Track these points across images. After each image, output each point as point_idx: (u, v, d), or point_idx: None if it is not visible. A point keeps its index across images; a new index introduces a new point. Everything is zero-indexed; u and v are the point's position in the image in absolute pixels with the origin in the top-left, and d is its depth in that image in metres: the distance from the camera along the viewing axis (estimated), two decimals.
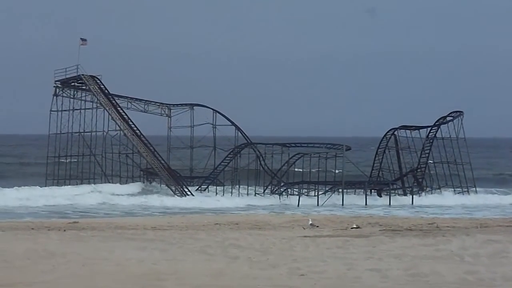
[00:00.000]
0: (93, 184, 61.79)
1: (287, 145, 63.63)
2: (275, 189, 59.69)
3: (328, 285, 16.32)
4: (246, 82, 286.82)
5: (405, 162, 64.37)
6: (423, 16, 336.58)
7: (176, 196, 58.06)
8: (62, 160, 63.93)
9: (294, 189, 58.72)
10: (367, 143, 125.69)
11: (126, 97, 65.23)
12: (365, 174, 63.53)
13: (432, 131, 63.22)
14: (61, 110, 63.80)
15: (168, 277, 17.20)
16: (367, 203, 55.47)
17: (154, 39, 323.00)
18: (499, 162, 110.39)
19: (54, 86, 64.35)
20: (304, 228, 30.59)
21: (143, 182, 64.41)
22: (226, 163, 63.26)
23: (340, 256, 20.90)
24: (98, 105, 62.43)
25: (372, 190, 60.73)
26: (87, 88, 62.96)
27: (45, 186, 62.58)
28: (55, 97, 64.19)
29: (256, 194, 59.45)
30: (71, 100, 64.03)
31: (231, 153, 63.42)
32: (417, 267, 18.54)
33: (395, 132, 64.18)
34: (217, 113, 65.33)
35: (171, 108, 67.01)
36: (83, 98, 63.86)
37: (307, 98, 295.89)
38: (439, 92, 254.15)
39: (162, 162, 63.00)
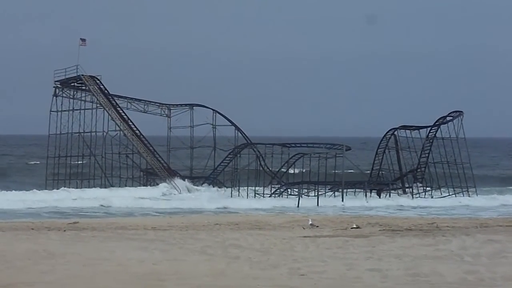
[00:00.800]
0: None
1: (287, 145, 63.64)
2: (276, 189, 59.63)
3: (328, 285, 16.34)
4: (246, 82, 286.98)
5: (405, 162, 64.38)
6: (423, 17, 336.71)
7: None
8: (62, 161, 63.89)
9: (294, 189, 58.72)
10: (366, 143, 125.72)
11: (126, 98, 65.26)
12: (364, 172, 63.56)
13: (432, 131, 63.19)
14: (61, 111, 63.80)
15: (168, 277, 17.21)
16: (367, 203, 55.47)
17: (153, 39, 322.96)
18: (499, 162, 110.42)
19: (53, 87, 64.36)
20: (304, 228, 30.59)
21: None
22: (226, 163, 63.29)
23: (340, 256, 20.92)
24: (98, 105, 62.46)
25: (372, 190, 60.73)
26: (87, 88, 62.99)
27: (45, 186, 62.64)
28: (54, 97, 64.20)
29: (256, 195, 59.37)
30: (71, 100, 64.05)
31: (231, 153, 63.45)
32: (417, 267, 18.55)
33: (395, 132, 64.16)
34: (217, 113, 65.40)
35: (171, 108, 67.03)
36: (83, 98, 63.89)
37: (307, 98, 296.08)
38: (439, 92, 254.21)
39: (162, 162, 63.06)
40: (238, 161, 63.75)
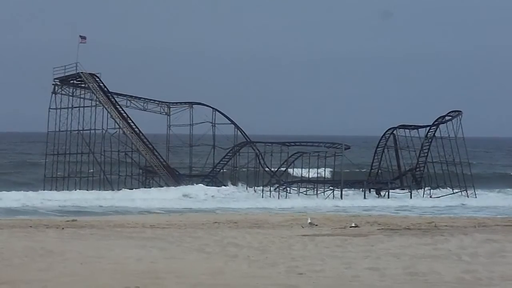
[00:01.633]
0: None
1: (287, 143, 63.67)
2: (275, 188, 59.63)
3: (327, 284, 16.33)
4: (245, 80, 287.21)
5: (404, 161, 64.43)
6: (423, 19, 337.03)
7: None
8: (61, 158, 63.83)
9: (293, 188, 58.75)
10: (366, 142, 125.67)
11: (126, 95, 65.19)
12: (363, 172, 63.62)
13: (431, 130, 63.25)
14: (60, 108, 63.72)
15: (166, 275, 17.20)
16: (366, 202, 55.48)
17: (153, 37, 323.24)
18: (498, 161, 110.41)
19: (53, 84, 64.27)
20: (302, 227, 30.59)
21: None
22: (225, 162, 63.28)
23: (339, 255, 20.91)
24: (97, 103, 62.39)
25: (371, 189, 60.76)
26: (86, 86, 62.91)
27: (44, 183, 62.62)
28: (54, 95, 64.10)
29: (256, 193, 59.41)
30: (70, 98, 63.96)
31: (230, 152, 63.45)
32: (415, 266, 18.55)
33: (394, 132, 64.22)
34: (217, 112, 65.34)
35: (171, 106, 66.96)
36: (82, 96, 63.79)
37: (306, 97, 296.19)
38: (438, 92, 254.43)
39: (161, 160, 63.03)
40: (237, 160, 63.78)
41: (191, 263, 19.31)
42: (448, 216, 41.00)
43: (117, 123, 61.73)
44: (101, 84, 62.99)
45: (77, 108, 63.35)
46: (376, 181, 62.28)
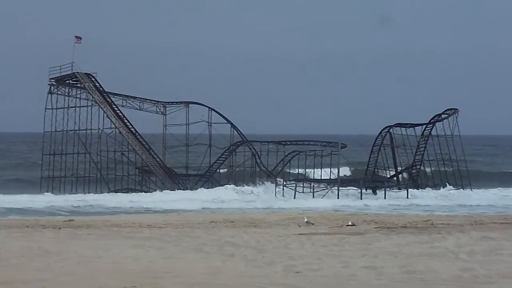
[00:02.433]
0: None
1: (283, 143, 63.73)
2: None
3: (324, 283, 16.35)
4: (241, 80, 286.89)
5: (400, 160, 64.49)
6: (421, 18, 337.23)
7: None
8: (57, 158, 63.78)
9: (290, 187, 58.77)
10: (363, 140, 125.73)
11: (121, 95, 65.16)
12: (359, 170, 63.69)
13: (427, 128, 63.37)
14: (56, 108, 63.72)
15: (164, 275, 17.21)
16: (363, 200, 55.50)
17: (149, 37, 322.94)
18: (494, 159, 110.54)
19: (49, 84, 64.27)
20: (299, 226, 30.61)
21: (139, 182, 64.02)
22: (221, 161, 63.30)
23: (336, 254, 20.93)
24: (93, 103, 62.37)
25: (368, 188, 60.79)
26: (82, 86, 62.91)
27: (40, 183, 62.62)
28: (50, 95, 64.08)
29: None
30: (66, 98, 63.96)
31: (227, 151, 63.46)
32: (412, 265, 18.58)
33: (390, 130, 64.27)
34: (213, 111, 65.32)
35: (167, 106, 66.93)
36: (78, 96, 63.80)
37: (302, 96, 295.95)
38: (435, 91, 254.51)
39: (158, 160, 63.01)
40: (233, 159, 63.79)
41: (188, 263, 19.32)
42: (445, 214, 41.04)
43: (113, 123, 61.71)
44: (97, 84, 62.98)
45: (73, 108, 63.36)
46: (372, 180, 62.34)
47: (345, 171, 65.96)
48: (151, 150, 63.04)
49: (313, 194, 57.05)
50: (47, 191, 61.62)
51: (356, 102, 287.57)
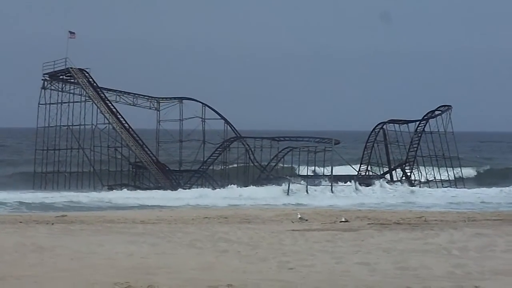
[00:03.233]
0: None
1: (276, 139, 63.76)
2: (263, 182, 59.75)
3: (317, 279, 16.35)
4: (235, 76, 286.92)
5: (393, 156, 64.55)
6: (417, 17, 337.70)
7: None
8: (50, 154, 63.68)
9: (283, 183, 58.78)
10: (357, 137, 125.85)
11: (115, 91, 65.07)
12: (353, 167, 63.73)
13: (420, 125, 63.43)
14: (50, 103, 63.65)
15: (157, 270, 17.19)
16: (356, 197, 55.55)
17: (143, 32, 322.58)
18: (488, 155, 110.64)
19: (42, 79, 64.21)
20: (293, 222, 30.63)
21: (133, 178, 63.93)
22: (215, 157, 63.28)
23: (329, 250, 20.94)
24: (86, 98, 62.32)
25: (361, 184, 60.83)
26: (76, 81, 62.84)
27: (33, 179, 62.56)
28: (43, 90, 64.01)
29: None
30: (60, 93, 63.88)
31: (220, 147, 63.45)
32: (406, 261, 18.60)
33: (384, 126, 64.33)
34: (206, 107, 65.30)
35: (160, 101, 66.86)
36: (72, 91, 63.75)
37: (296, 93, 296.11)
38: (428, 87, 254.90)
39: (151, 155, 62.97)
40: (227, 155, 63.77)
41: (182, 258, 19.30)
42: (438, 211, 41.09)
43: (107, 118, 61.66)
44: (91, 79, 62.90)
45: (67, 104, 63.29)
46: (366, 176, 62.39)
47: (338, 167, 65.92)
48: (144, 146, 63.00)
49: (307, 191, 56.98)
50: (40, 187, 61.63)
51: (351, 98, 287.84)
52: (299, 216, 32.06)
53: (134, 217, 33.01)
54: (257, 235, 25.09)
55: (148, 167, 62.04)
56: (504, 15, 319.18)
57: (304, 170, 61.79)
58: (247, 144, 63.40)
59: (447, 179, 62.84)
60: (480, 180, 70.32)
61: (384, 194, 57.13)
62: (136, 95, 66.16)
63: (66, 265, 18.05)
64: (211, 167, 63.48)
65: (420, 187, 61.27)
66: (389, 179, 63.09)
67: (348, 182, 59.30)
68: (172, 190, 58.68)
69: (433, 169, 63.08)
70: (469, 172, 71.64)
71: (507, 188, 60.97)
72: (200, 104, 65.52)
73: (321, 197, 55.18)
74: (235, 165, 64.33)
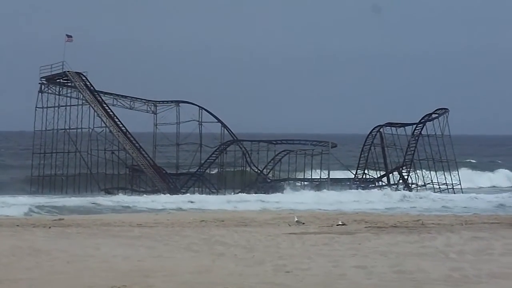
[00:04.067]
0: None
1: (273, 142, 63.73)
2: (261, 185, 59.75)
3: (314, 282, 16.35)
4: (232, 79, 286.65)
5: (390, 160, 64.54)
6: (413, 17, 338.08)
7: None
8: (48, 157, 63.59)
9: (280, 186, 58.81)
10: (355, 140, 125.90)
11: (112, 94, 65.01)
12: (350, 171, 63.74)
13: (417, 128, 63.42)
14: (47, 107, 63.61)
15: (154, 274, 17.19)
16: (353, 200, 55.49)
17: (140, 36, 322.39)
18: (485, 159, 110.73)
19: (39, 83, 64.15)
20: (290, 225, 30.62)
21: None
22: (212, 160, 63.24)
23: (326, 253, 20.94)
24: (83, 101, 62.26)
25: (358, 187, 60.84)
26: (73, 84, 62.79)
27: (30, 183, 62.47)
28: (40, 93, 63.97)
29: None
30: (57, 96, 63.85)
31: (217, 150, 63.42)
32: (402, 264, 18.60)
33: (381, 129, 64.33)
34: (203, 110, 65.24)
35: (157, 105, 66.79)
36: (69, 94, 63.68)
37: (292, 96, 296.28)
38: (425, 90, 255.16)
39: (148, 159, 62.93)
40: (224, 158, 63.74)
41: (178, 262, 19.30)
42: (435, 214, 41.10)
43: (104, 122, 61.62)
44: (88, 83, 62.87)
45: (64, 107, 63.25)
46: (362, 180, 62.38)
47: (336, 170, 65.91)
48: (141, 149, 62.96)
49: (304, 194, 56.88)
50: (37, 190, 61.53)
51: (348, 101, 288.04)
52: (296, 219, 32.04)
53: (131, 221, 32.97)
54: (254, 238, 25.09)
55: (145, 170, 61.97)
56: (504, 15, 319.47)
57: (301, 174, 61.84)
58: (244, 147, 63.37)
59: (444, 182, 62.80)
60: (477, 184, 70.31)
61: (381, 197, 57.12)
62: (133, 99, 66.10)
63: (62, 268, 18.03)
64: (208, 170, 63.42)
65: (417, 190, 61.24)
66: (386, 182, 63.09)
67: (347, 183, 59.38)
68: (170, 194, 58.63)
69: (430, 172, 63.05)
70: (466, 175, 71.57)
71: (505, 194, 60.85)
72: (197, 107, 65.47)
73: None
74: (232, 168, 64.27)
